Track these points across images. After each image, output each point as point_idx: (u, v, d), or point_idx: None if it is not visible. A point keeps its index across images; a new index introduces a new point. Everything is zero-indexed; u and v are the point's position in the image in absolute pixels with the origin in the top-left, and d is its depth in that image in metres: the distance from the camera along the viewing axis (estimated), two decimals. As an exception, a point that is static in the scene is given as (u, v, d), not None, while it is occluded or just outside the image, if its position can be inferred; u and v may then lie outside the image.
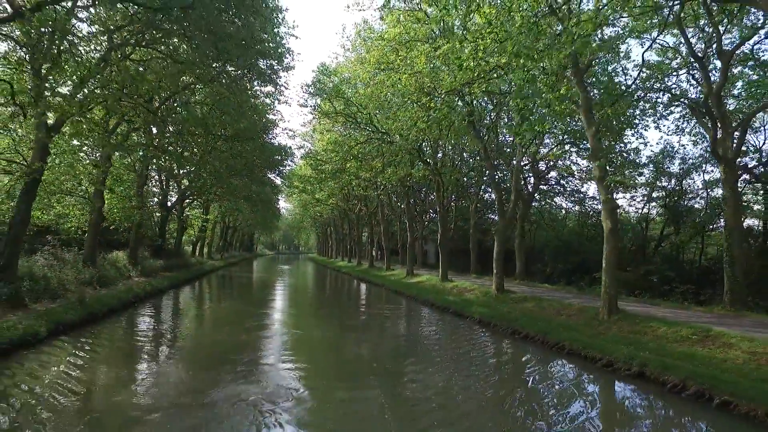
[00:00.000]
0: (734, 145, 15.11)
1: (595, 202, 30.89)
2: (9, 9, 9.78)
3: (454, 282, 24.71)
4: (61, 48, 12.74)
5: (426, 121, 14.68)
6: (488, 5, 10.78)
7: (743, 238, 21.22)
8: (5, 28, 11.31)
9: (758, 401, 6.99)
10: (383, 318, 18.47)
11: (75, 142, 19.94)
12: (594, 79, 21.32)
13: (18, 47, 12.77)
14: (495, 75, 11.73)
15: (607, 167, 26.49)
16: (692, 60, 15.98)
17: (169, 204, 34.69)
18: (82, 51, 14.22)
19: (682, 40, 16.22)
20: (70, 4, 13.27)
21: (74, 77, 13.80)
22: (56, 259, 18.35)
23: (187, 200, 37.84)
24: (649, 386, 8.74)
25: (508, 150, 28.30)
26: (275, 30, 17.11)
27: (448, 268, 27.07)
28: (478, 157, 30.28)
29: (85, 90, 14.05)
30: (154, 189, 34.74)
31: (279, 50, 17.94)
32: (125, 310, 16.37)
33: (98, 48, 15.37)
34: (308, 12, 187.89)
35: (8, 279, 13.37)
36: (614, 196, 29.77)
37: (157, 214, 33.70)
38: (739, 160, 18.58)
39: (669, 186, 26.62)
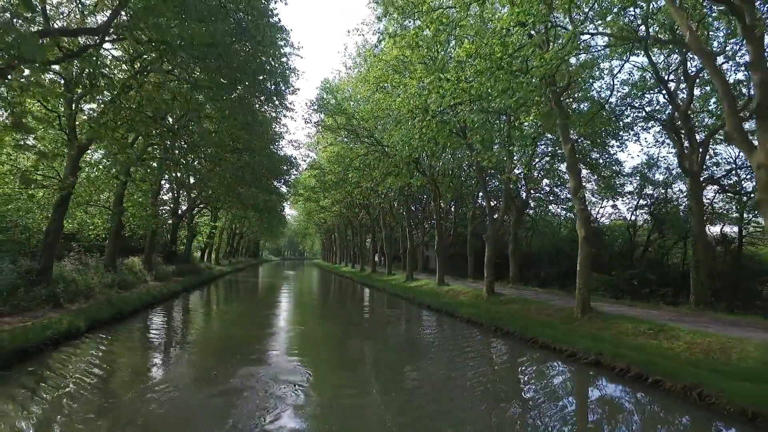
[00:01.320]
0: (699, 159, 16.59)
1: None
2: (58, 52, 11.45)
3: (450, 286, 26.20)
4: (93, 76, 14.47)
5: (418, 139, 16.30)
6: (468, 41, 12.38)
7: (717, 244, 22.68)
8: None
9: (679, 379, 8.49)
10: (382, 318, 20.03)
11: (97, 155, 21.83)
12: (579, 94, 22.90)
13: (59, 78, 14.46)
14: (479, 99, 13.21)
15: (595, 177, 28.15)
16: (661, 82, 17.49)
17: (180, 212, 36.50)
18: (110, 75, 15.94)
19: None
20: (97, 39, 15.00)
21: (102, 99, 15.55)
22: (81, 264, 20.09)
23: (197, 209, 39.57)
24: (602, 371, 10.24)
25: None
26: (281, 53, 18.71)
27: (446, 272, 28.62)
28: (474, 167, 31.79)
29: (111, 113, 15.73)
30: (165, 198, 36.60)
31: (286, 73, 19.61)
32: (146, 310, 18.05)
33: (122, 72, 17.13)
34: (313, 22, 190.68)
35: (46, 282, 15.09)
36: (604, 203, 31.35)
37: (169, 222, 35.51)
38: (711, 171, 20.03)
39: (654, 194, 28.05)
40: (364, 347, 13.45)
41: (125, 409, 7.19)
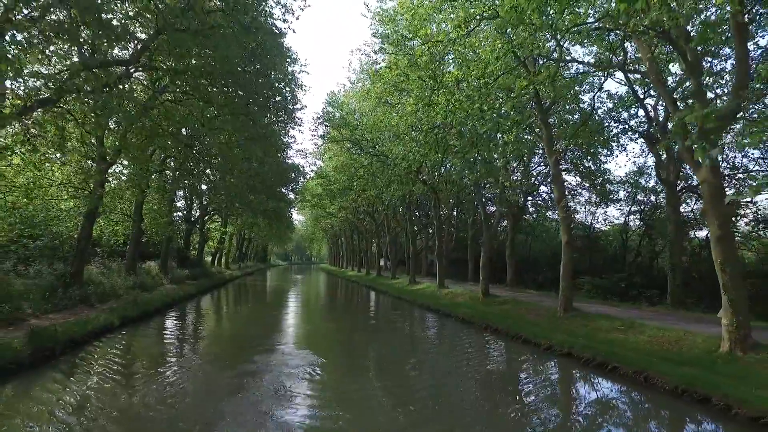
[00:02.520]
0: (675, 169, 17.93)
1: (581, 216, 33.73)
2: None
3: (449, 289, 27.63)
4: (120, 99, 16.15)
5: (413, 154, 17.82)
6: (457, 68, 13.89)
7: (702, 249, 23.90)
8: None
9: (632, 365, 9.90)
10: (384, 317, 21.53)
11: (119, 168, 23.51)
12: (570, 106, 24.24)
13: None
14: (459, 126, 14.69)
15: (588, 185, 29.48)
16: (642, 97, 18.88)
17: (192, 219, 38.28)
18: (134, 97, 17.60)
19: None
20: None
21: (128, 119, 17.22)
22: (105, 268, 21.77)
23: (208, 215, 41.29)
24: (572, 361, 11.63)
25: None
26: (290, 76, 20.34)
27: (448, 276, 30.07)
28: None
29: (136, 131, 17.37)
30: (179, 204, 38.35)
31: (294, 91, 21.24)
32: (167, 310, 19.75)
33: (144, 92, 18.82)
34: (320, 32, 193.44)
35: (78, 284, 16.71)
36: (598, 210, 32.68)
37: (182, 228, 37.25)
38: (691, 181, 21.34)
39: (645, 200, 29.32)
40: (366, 341, 14.95)
41: (159, 384, 8.76)
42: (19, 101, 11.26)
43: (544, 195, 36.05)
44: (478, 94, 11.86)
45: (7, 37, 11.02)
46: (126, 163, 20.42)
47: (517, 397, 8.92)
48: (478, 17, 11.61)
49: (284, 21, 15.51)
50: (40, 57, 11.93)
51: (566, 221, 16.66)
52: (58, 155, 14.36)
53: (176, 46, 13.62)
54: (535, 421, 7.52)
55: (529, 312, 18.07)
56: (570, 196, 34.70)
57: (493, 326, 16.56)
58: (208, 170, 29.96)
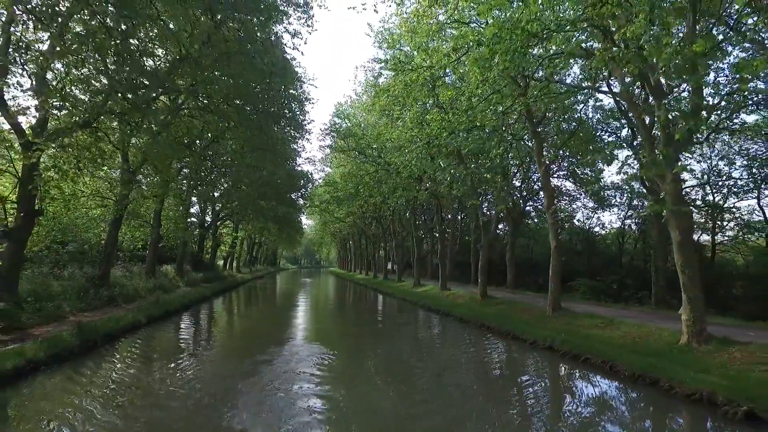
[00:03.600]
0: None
1: (579, 221, 34.88)
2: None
3: (451, 291, 28.90)
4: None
5: (413, 166, 19.22)
6: (451, 88, 15.25)
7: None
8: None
9: (601, 356, 11.16)
10: (387, 317, 22.92)
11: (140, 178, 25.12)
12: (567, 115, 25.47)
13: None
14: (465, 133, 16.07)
15: (584, 190, 30.63)
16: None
17: (206, 224, 39.97)
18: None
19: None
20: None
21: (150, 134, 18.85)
22: (127, 271, 23.39)
23: (219, 221, 42.96)
24: (554, 354, 12.89)
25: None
26: (298, 95, 21.89)
27: (451, 279, 31.37)
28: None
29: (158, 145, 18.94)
30: (193, 210, 40.03)
31: (303, 105, 22.75)
32: (186, 310, 21.35)
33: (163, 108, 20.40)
34: (328, 42, 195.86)
35: (106, 285, 18.28)
36: (596, 213, 33.82)
37: (195, 233, 38.94)
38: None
39: (640, 205, 30.40)
40: (370, 337, 16.33)
41: (185, 368, 10.26)
42: (63, 123, 12.80)
43: (544, 200, 37.23)
44: (465, 115, 13.20)
45: (52, 69, 12.67)
46: (145, 173, 22.04)
47: (502, 384, 10.23)
48: (466, 45, 12.98)
49: (294, 48, 16.92)
50: (78, 84, 13.49)
51: (554, 227, 17.90)
52: (92, 170, 15.87)
53: (195, 73, 15.17)
54: (517, 403, 8.84)
55: (523, 312, 19.28)
56: (568, 201, 35.97)
57: (487, 324, 17.82)
58: (222, 179, 31.67)
